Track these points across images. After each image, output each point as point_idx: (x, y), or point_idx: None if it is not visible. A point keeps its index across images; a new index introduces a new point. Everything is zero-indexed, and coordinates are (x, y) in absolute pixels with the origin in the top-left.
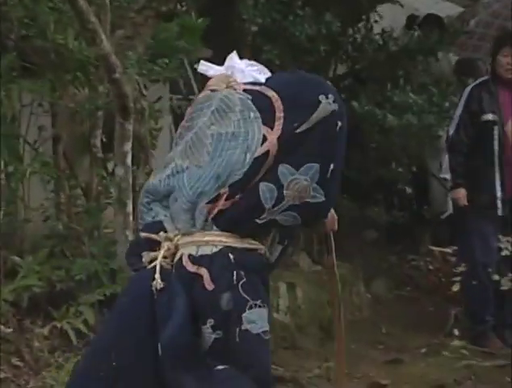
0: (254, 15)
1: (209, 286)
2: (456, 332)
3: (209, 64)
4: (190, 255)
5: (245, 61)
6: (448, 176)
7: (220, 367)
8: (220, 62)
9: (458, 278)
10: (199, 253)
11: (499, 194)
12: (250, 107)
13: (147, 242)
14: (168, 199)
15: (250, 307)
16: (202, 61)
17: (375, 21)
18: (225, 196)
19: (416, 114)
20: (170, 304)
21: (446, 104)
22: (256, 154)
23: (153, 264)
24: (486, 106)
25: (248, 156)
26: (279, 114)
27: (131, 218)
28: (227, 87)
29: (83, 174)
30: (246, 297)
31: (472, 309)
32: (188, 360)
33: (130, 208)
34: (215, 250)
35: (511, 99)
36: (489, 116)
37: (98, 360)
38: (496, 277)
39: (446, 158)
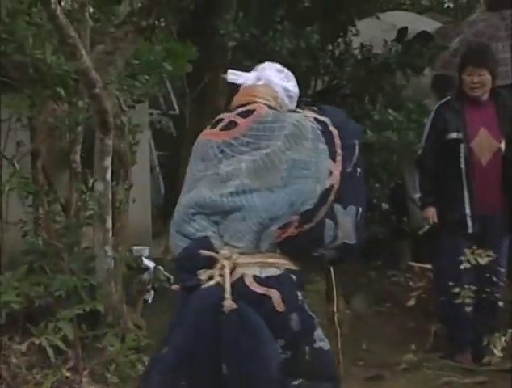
0: (233, 31)
1: (280, 308)
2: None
3: (237, 72)
4: (255, 276)
5: (274, 68)
6: (418, 195)
7: (295, 382)
8: (200, 77)
9: (415, 293)
10: (264, 274)
11: (468, 212)
12: (320, 138)
13: (203, 258)
14: (222, 215)
15: (318, 325)
16: (230, 70)
17: (354, 34)
18: (296, 223)
19: (395, 131)
20: (244, 326)
21: (426, 120)
22: (324, 186)
23: (213, 282)
24: (451, 124)
25: (318, 187)
26: (339, 150)
27: (110, 234)
28: (276, 105)
29: (62, 189)
30: (313, 315)
31: (445, 325)
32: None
33: (109, 223)
34: (278, 272)
35: (477, 117)
36: (454, 135)
37: (167, 380)
38: (456, 290)
39: (416, 177)
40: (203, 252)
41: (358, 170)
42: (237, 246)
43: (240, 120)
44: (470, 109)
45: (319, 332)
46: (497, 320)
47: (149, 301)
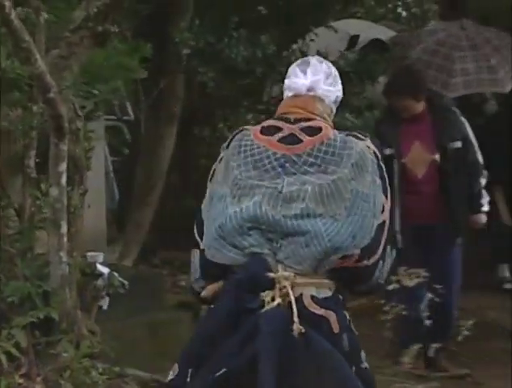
0: (187, 38)
1: (336, 329)
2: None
3: (294, 79)
4: (313, 297)
5: (322, 73)
6: None
7: None
8: (156, 83)
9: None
10: (321, 295)
11: (398, 228)
12: (376, 172)
13: (267, 280)
14: (280, 235)
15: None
16: (288, 80)
17: (311, 40)
18: (356, 257)
19: None
20: (309, 348)
21: None
22: (378, 222)
23: (275, 303)
24: (384, 140)
25: (375, 222)
26: (388, 186)
27: (65, 239)
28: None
29: (16, 194)
30: (357, 335)
31: (396, 334)
32: None
33: (64, 229)
34: (330, 293)
35: (412, 131)
36: (387, 151)
37: None
38: (386, 308)
39: None
40: (269, 274)
41: None
42: (294, 267)
43: (304, 137)
44: (405, 124)
45: (363, 353)
46: (446, 334)
47: (104, 307)
